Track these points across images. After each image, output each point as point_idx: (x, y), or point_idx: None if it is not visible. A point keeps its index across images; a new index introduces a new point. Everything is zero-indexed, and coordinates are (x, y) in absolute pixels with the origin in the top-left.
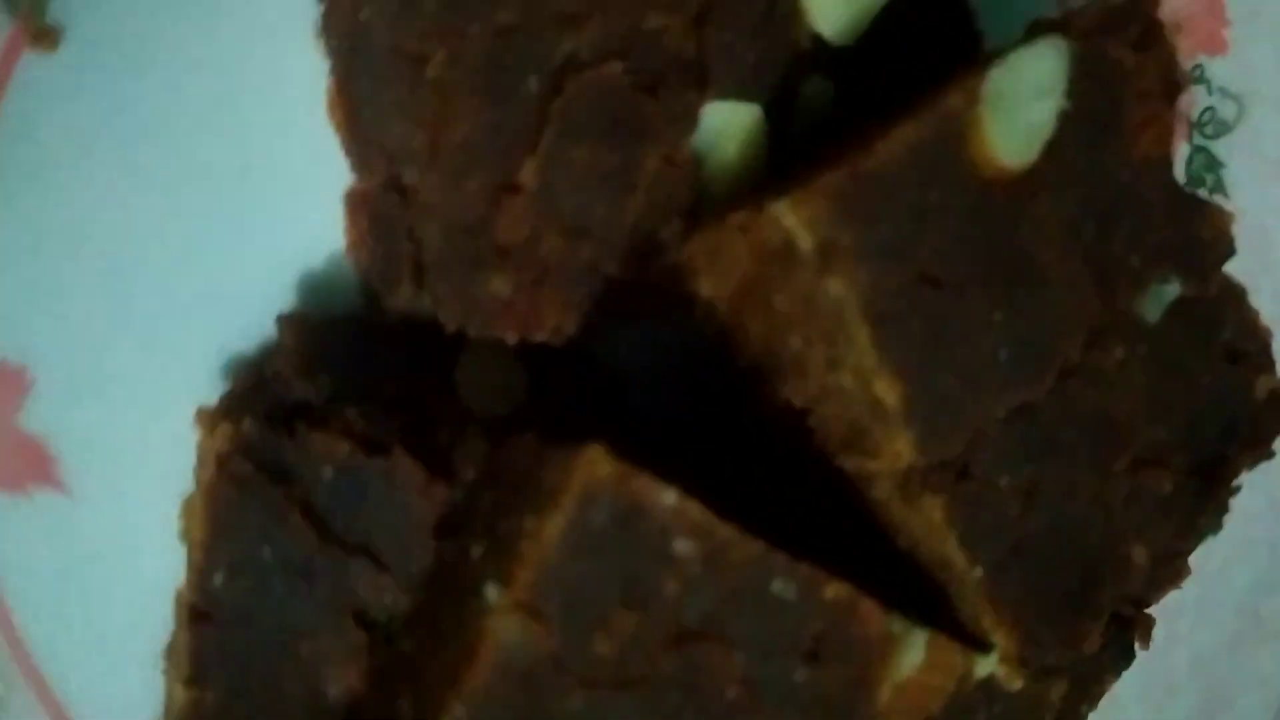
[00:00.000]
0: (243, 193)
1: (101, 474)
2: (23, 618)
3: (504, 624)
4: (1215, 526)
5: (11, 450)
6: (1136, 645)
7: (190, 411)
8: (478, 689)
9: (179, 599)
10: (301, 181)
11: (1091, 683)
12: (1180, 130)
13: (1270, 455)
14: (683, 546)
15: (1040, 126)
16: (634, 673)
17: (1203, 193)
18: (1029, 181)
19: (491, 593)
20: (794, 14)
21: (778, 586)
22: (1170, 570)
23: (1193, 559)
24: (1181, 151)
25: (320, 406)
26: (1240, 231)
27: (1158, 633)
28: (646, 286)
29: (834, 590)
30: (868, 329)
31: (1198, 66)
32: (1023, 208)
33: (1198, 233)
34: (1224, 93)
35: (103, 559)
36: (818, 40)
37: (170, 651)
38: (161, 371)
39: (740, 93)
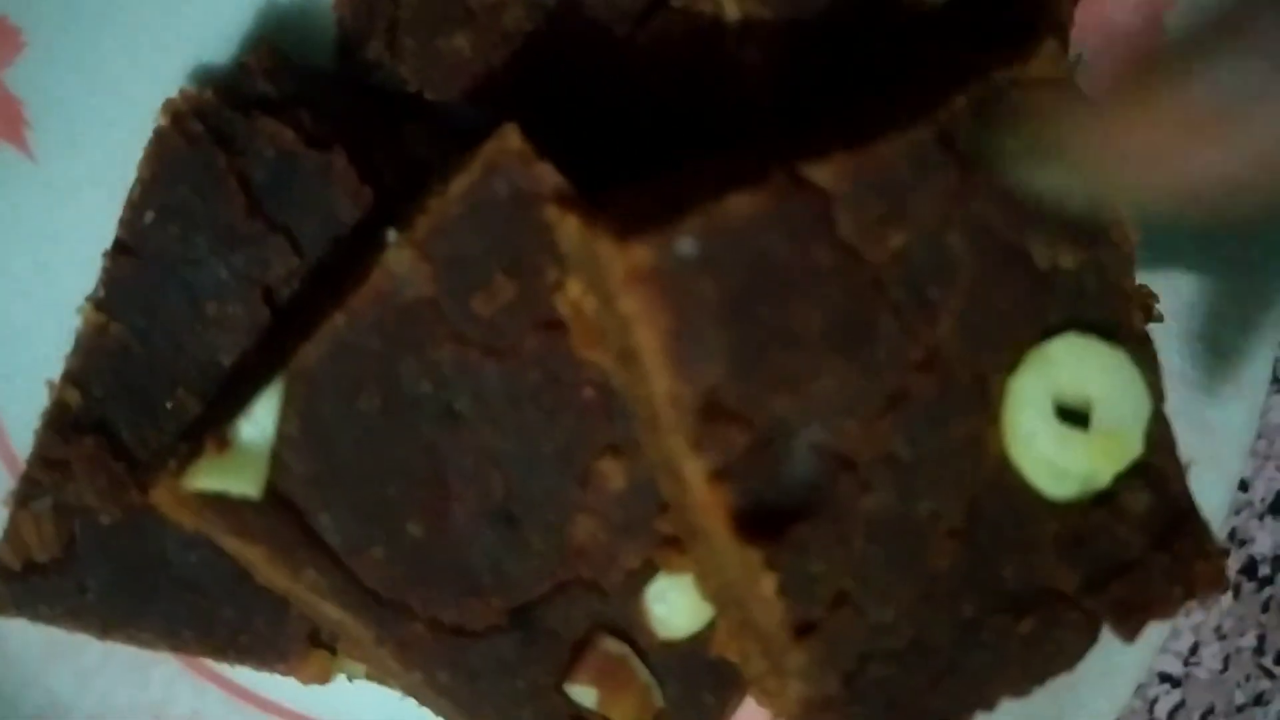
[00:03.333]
0: None
1: (68, 146)
2: None
3: (395, 256)
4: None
5: None
6: None
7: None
8: (361, 306)
9: None
10: None
11: None
12: None
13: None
14: (567, 242)
15: None
16: (502, 343)
17: None
18: None
19: (390, 235)
20: None
21: None
22: None
23: None
24: None
25: (277, 101)
26: None
27: None
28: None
29: None
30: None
31: None
32: None
33: None
34: None
35: (53, 225)
36: None
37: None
38: (139, 65)
39: None
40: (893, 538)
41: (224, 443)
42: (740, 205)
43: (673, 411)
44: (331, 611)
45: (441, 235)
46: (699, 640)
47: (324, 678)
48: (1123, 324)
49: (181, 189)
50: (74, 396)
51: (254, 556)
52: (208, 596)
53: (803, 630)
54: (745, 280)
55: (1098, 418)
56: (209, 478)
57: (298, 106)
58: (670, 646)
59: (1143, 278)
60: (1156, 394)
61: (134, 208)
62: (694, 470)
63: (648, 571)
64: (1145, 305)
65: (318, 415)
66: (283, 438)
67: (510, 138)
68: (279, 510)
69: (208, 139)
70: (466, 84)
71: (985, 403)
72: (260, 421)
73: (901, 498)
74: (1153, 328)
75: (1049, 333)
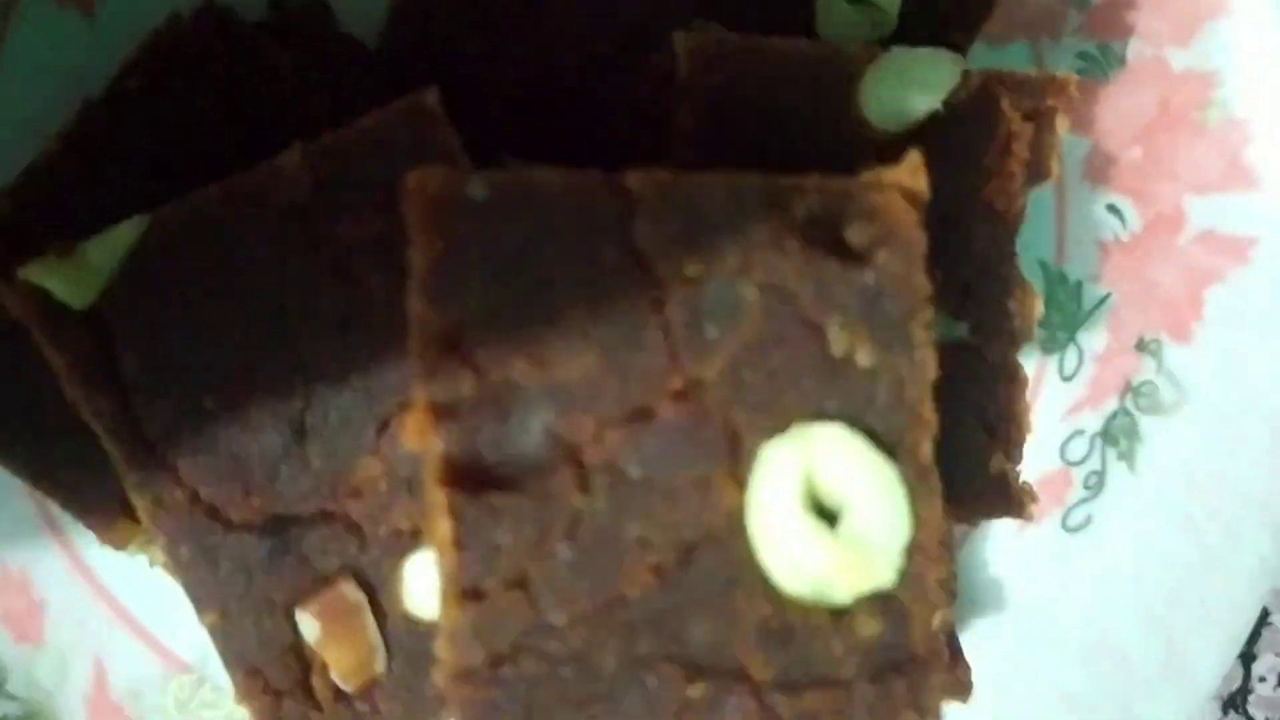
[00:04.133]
0: None
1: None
2: None
3: (286, 157)
4: None
5: None
6: None
7: None
8: (239, 188)
9: None
10: None
11: None
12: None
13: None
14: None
15: (909, 112)
16: (350, 270)
17: (1112, 453)
18: None
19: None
20: None
21: None
22: None
23: None
24: (1107, 404)
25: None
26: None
27: None
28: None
29: None
30: None
31: (1155, 342)
32: None
33: (1004, 300)
34: (1171, 380)
35: None
36: None
37: None
38: None
39: None
40: (592, 546)
41: (68, 251)
42: (545, 177)
43: (418, 334)
44: (107, 444)
45: (334, 156)
46: None
47: (121, 544)
48: (905, 444)
49: (174, 75)
50: (7, 207)
51: (56, 362)
52: (49, 428)
53: (469, 594)
54: (523, 244)
55: (847, 523)
56: (44, 275)
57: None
58: (412, 623)
59: None
60: (923, 530)
61: (124, 71)
62: (419, 398)
63: (415, 540)
64: (938, 441)
65: (161, 265)
66: (124, 271)
67: (428, 97)
68: (92, 330)
69: (215, 39)
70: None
71: (732, 458)
72: (110, 247)
73: (615, 512)
74: None
75: (821, 417)
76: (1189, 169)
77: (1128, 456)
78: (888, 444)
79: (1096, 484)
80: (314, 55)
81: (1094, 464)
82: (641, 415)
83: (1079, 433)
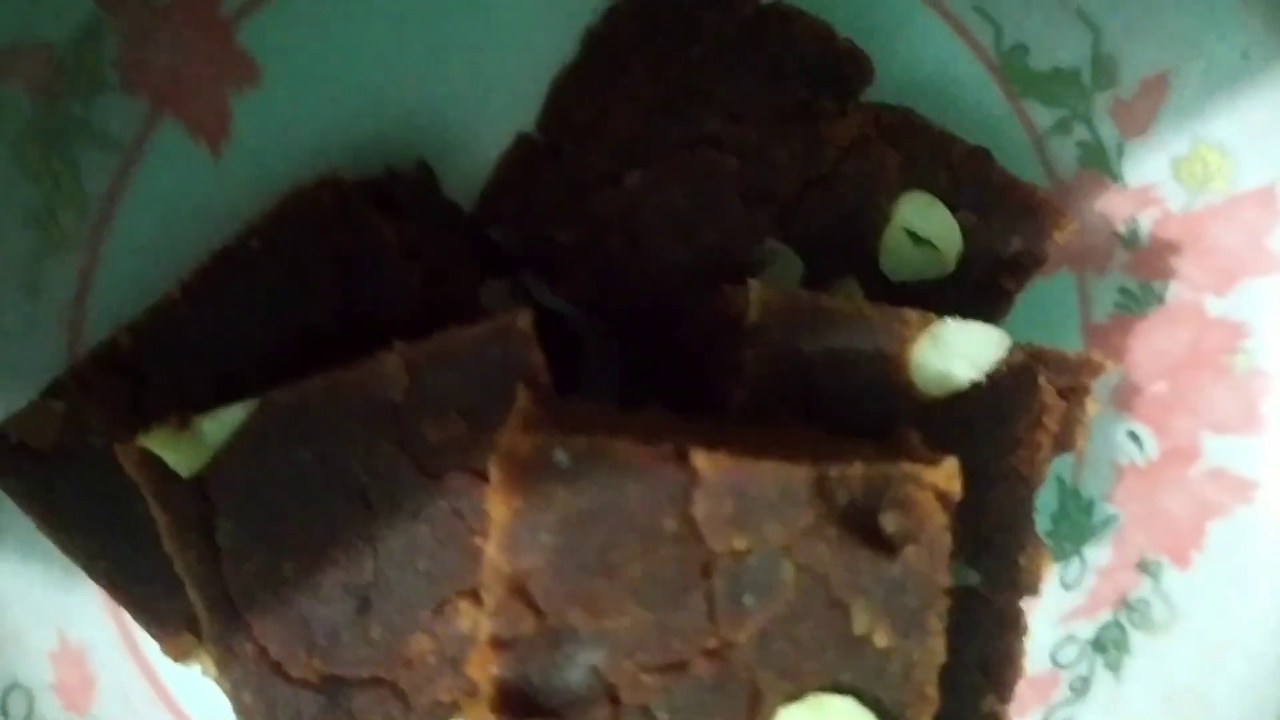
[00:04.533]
0: None
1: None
2: None
3: (388, 358)
4: None
5: None
6: None
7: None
8: (341, 381)
9: None
10: None
11: None
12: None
13: None
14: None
15: (953, 381)
16: (431, 467)
17: (1100, 660)
18: None
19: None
20: None
21: None
22: None
23: None
24: (1102, 615)
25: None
26: None
27: None
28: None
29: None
30: None
31: (1156, 563)
32: None
33: (1017, 556)
34: (1166, 599)
35: None
36: None
37: None
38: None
39: None
40: None
41: (185, 424)
42: (620, 450)
43: (490, 577)
44: (193, 595)
45: (431, 361)
46: None
47: (182, 657)
48: (907, 718)
49: (292, 238)
50: (128, 343)
51: (159, 519)
52: (134, 545)
53: None
54: (596, 508)
55: None
56: (158, 444)
57: (412, 219)
58: None
59: None
60: None
61: (248, 231)
62: (483, 630)
63: (453, 711)
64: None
65: (264, 445)
66: (230, 446)
67: (522, 319)
68: (194, 497)
69: (332, 213)
70: (555, 270)
71: (752, 714)
72: (222, 423)
73: None
74: None
75: (836, 688)
76: (1209, 408)
77: (1114, 666)
78: (892, 716)
79: (1081, 688)
80: (416, 221)
81: (1082, 669)
82: (676, 667)
83: (1071, 639)
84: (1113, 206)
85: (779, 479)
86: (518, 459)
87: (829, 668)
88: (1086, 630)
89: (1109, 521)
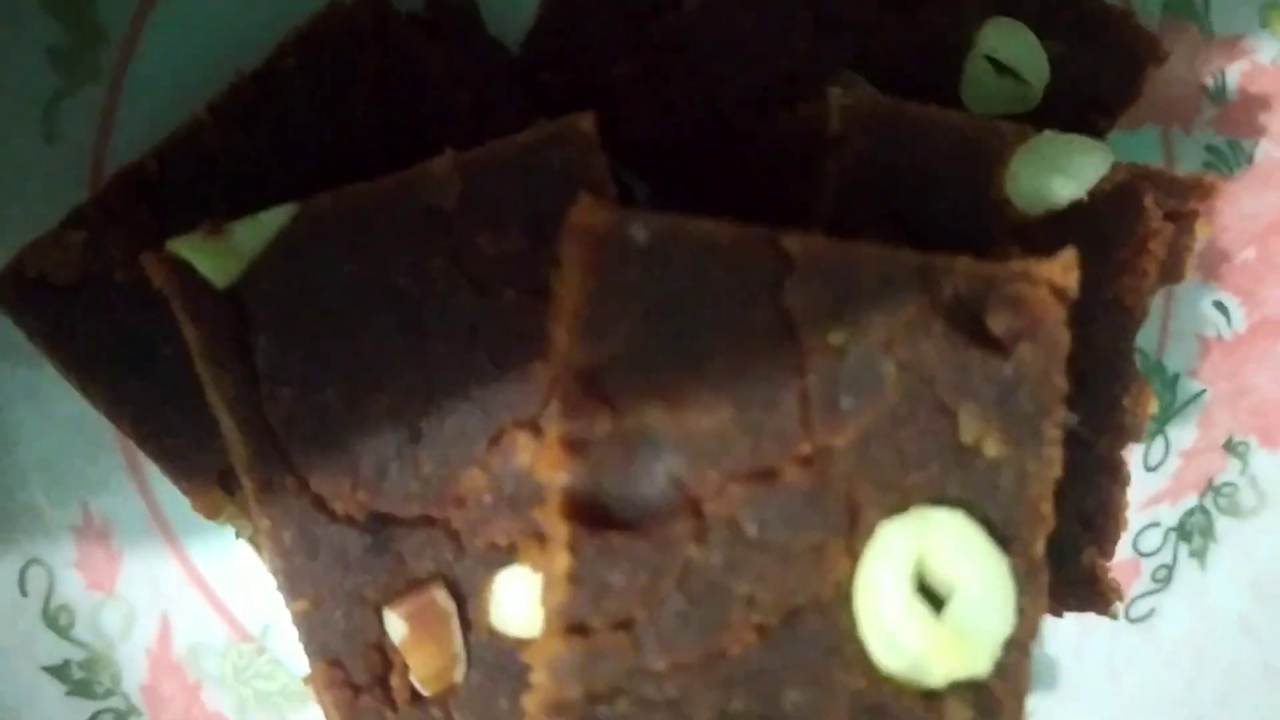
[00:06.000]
0: None
1: None
2: None
3: (439, 163)
4: None
5: None
6: None
7: None
8: (389, 187)
9: None
10: None
11: None
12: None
13: None
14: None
15: (1052, 198)
16: (487, 283)
17: (1184, 549)
18: None
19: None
20: None
21: None
22: None
23: None
24: (1186, 500)
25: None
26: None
27: None
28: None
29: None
30: None
31: (1244, 444)
32: None
33: (1120, 396)
34: (1254, 484)
35: None
36: None
37: None
38: None
39: None
40: (702, 598)
41: (218, 230)
42: (704, 229)
43: (560, 371)
44: (227, 424)
45: (485, 167)
46: (523, 646)
47: (213, 515)
48: (1020, 539)
49: (329, 58)
50: (154, 168)
51: (191, 336)
52: (163, 391)
53: (575, 629)
54: (677, 293)
55: (953, 609)
56: (190, 250)
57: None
58: (496, 637)
59: None
60: (1025, 626)
61: (281, 50)
62: (553, 432)
63: (510, 556)
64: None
65: (304, 254)
66: (267, 255)
67: (585, 120)
68: (229, 310)
69: (372, 32)
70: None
71: (850, 529)
72: (257, 230)
73: (727, 567)
74: None
75: (942, 501)
76: None
77: (1199, 554)
78: (1003, 536)
79: (1165, 577)
80: (461, 54)
81: (1165, 557)
82: (767, 476)
83: (1154, 524)
84: (1200, 58)
85: (880, 265)
86: (592, 233)
87: (934, 479)
88: (1170, 516)
89: (1194, 399)
